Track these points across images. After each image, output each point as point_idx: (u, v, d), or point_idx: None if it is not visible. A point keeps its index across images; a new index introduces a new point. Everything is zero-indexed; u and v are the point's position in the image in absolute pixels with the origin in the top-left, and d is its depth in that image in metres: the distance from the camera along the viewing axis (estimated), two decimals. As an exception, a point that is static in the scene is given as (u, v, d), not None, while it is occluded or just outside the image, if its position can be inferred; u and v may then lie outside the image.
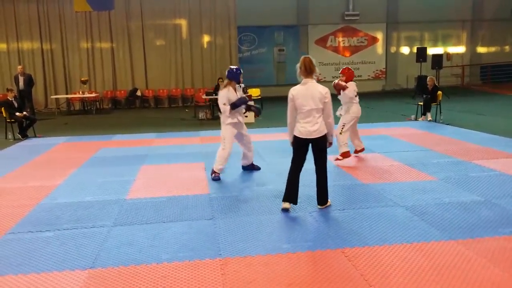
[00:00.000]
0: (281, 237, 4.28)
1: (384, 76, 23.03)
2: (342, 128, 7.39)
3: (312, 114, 4.92)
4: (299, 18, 22.25)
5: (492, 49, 24.26)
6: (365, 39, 23.09)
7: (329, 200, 5.22)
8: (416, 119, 12.05)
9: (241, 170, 7.02)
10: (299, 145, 5.03)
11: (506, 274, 3.44)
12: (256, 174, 6.77)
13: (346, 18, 22.43)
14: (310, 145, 5.00)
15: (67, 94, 18.21)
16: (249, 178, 6.49)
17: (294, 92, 5.08)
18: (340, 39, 22.91)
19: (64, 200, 5.69)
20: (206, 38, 19.67)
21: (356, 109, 7.46)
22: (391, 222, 4.60)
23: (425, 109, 11.90)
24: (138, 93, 19.10)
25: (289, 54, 22.55)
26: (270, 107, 16.64)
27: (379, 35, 23.19)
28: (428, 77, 12.30)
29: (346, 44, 23.00)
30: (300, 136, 4.97)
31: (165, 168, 7.34)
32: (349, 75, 7.53)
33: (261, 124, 12.29)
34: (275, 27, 22.17)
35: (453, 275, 3.46)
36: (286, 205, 5.08)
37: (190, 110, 15.98)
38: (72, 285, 3.51)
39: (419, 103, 12.30)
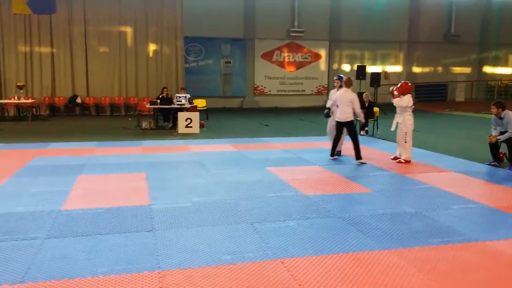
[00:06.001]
0: (222, 249, 4.28)
1: (326, 91, 23.82)
2: (406, 137, 8.50)
3: (345, 107, 8.40)
4: (246, 32, 22.58)
5: (426, 69, 25.87)
6: (309, 55, 23.81)
7: (363, 161, 8.42)
8: (355, 134, 12.53)
9: (184, 180, 6.97)
10: (337, 125, 8.65)
11: (433, 282, 3.65)
12: (199, 184, 6.73)
13: (291, 34, 23.05)
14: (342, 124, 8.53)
15: (1, 99, 17.25)
16: (191, 189, 6.45)
17: (337, 94, 8.63)
18: (286, 54, 23.49)
19: (-8, 211, 5.36)
20: (152, 47, 19.45)
21: (412, 118, 8.52)
22: (329, 233, 4.74)
23: (363, 124, 12.42)
24: (79, 100, 18.47)
25: (236, 66, 22.78)
26: (215, 119, 16.66)
27: (322, 52, 24.01)
28: (364, 94, 12.96)
29: (291, 60, 23.60)
30: (338, 120, 8.55)
31: (104, 178, 7.13)
32: (404, 89, 8.52)
33: (206, 135, 12.27)
34: (222, 40, 22.34)
35: (385, 283, 3.62)
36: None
37: (133, 119, 15.65)
38: (-1, 301, 3.31)
39: (357, 118, 12.79)
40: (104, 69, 18.92)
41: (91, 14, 18.48)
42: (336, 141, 8.79)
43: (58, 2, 17.63)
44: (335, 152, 8.85)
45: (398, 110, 8.66)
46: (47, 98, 18.25)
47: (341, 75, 9.03)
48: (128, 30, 19.13)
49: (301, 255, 4.15)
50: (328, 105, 9.24)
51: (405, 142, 8.50)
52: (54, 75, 18.42)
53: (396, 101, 8.59)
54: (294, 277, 3.72)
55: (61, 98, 18.43)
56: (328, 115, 9.25)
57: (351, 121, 8.50)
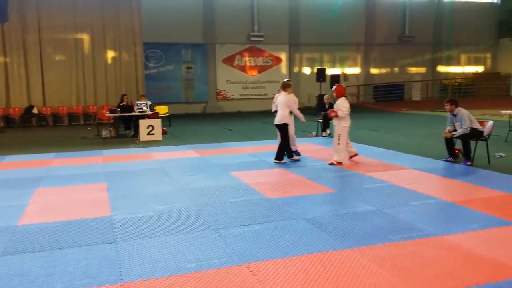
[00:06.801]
0: (186, 257, 4.23)
1: (288, 94, 24.02)
2: (339, 139, 8.45)
3: (280, 110, 8.61)
4: (206, 37, 22.52)
5: (383, 70, 26.60)
6: (270, 59, 24.00)
7: (284, 160, 8.74)
8: (317, 135, 12.72)
9: (147, 189, 6.86)
10: (276, 127, 8.83)
11: (395, 279, 3.73)
12: (162, 192, 6.63)
13: (251, 38, 23.16)
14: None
15: (-50, 111, 16.49)
16: (154, 198, 6.35)
17: (277, 96, 8.95)
18: (247, 58, 23.58)
19: None
20: (110, 54, 19.08)
21: (348, 120, 8.50)
22: (293, 235, 4.78)
23: (324, 126, 12.63)
24: (35, 110, 17.89)
25: (197, 71, 22.67)
26: (178, 125, 16.50)
27: (283, 56, 24.26)
28: (325, 96, 13.19)
29: (252, 64, 23.72)
30: (275, 122, 8.77)
31: (63, 190, 6.91)
32: (338, 91, 8.66)
33: (168, 142, 12.13)
34: (183, 45, 22.20)
35: (348, 282, 3.68)
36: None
37: (93, 128, 15.28)
38: (-50, 325, 3.15)
39: (319, 120, 13.02)
40: (61, 78, 18.40)
41: (46, 21, 17.95)
42: (287, 142, 8.84)
43: (11, 10, 17.04)
44: (292, 153, 8.93)
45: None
46: (1, 110, 17.58)
47: (286, 79, 9.17)
48: (85, 37, 18.70)
49: (266, 258, 4.16)
50: (273, 109, 9.32)
51: (338, 144, 8.49)
52: (8, 85, 17.78)
53: (341, 115, 8.41)
54: (259, 281, 3.72)
55: (16, 109, 17.79)
56: None
57: (284, 124, 8.65)
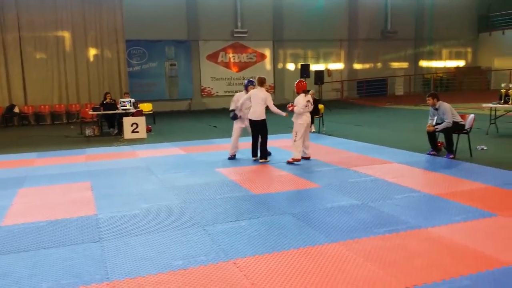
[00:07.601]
0: (173, 254, 4.22)
1: (272, 90, 24.10)
2: (296, 136, 8.22)
3: (257, 106, 8.27)
4: (189, 33, 22.39)
5: (366, 65, 26.80)
6: (254, 56, 23.98)
7: (267, 158, 8.55)
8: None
9: (131, 187, 6.81)
10: (251, 124, 8.50)
11: (381, 272, 3.78)
12: (147, 190, 6.60)
13: (235, 35, 23.10)
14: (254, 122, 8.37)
15: None
16: (139, 196, 6.31)
17: (251, 92, 8.48)
18: (231, 55, 23.52)
19: None
20: (92, 51, 18.85)
21: (305, 117, 8.30)
22: (280, 230, 4.80)
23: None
24: (16, 109, 17.59)
25: (181, 68, 22.53)
26: (163, 122, 16.40)
27: (267, 52, 24.26)
28: (310, 91, 13.16)
29: (237, 60, 23.67)
30: (250, 118, 8.42)
31: (47, 190, 6.83)
32: (297, 87, 8.50)
33: (153, 140, 12.05)
34: (166, 42, 22.04)
35: (335, 276, 3.71)
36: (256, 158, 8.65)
37: (76, 127, 15.09)
38: None
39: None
40: (42, 76, 18.13)
41: (25, 19, 17.64)
42: (256, 141, 8.66)
43: (-12, 8, 16.71)
44: (257, 153, 8.69)
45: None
46: (-19, 109, 17.26)
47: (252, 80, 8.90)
48: (66, 35, 18.44)
49: (253, 254, 4.17)
50: (231, 108, 8.90)
51: (294, 141, 8.26)
52: (-12, 84, 17.45)
53: (296, 110, 8.24)
54: (246, 276, 3.73)
55: (-3, 109, 17.49)
56: (235, 117, 8.90)
57: (263, 120, 8.42)
